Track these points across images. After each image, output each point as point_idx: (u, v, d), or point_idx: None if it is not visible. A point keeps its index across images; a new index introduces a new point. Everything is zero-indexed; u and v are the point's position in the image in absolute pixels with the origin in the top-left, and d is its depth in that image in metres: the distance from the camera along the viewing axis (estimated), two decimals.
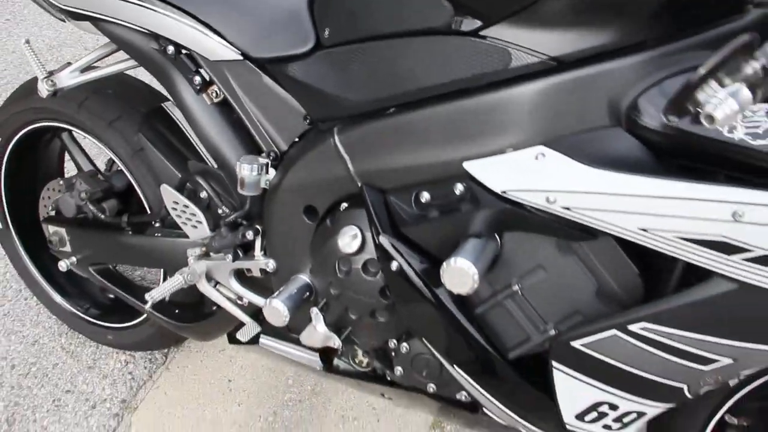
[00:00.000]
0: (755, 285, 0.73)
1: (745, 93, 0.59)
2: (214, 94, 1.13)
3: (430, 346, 0.97)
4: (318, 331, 1.04)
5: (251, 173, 1.07)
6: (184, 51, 1.12)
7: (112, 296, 1.61)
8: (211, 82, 1.12)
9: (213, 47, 1.07)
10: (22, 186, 1.53)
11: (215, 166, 1.17)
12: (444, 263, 0.84)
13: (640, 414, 0.92)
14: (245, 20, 1.06)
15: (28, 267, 1.60)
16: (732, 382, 0.86)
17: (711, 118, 0.60)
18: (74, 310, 1.60)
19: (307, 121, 1.05)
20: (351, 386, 1.58)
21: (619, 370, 0.85)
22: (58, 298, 1.61)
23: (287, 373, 1.62)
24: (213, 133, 1.15)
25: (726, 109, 0.59)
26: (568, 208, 0.77)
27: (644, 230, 0.75)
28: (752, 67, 0.61)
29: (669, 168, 0.75)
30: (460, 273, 0.83)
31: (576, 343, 0.85)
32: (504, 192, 0.81)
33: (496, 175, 0.82)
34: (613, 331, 0.82)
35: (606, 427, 0.95)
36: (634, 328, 0.81)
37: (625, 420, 0.94)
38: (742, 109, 0.60)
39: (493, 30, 0.82)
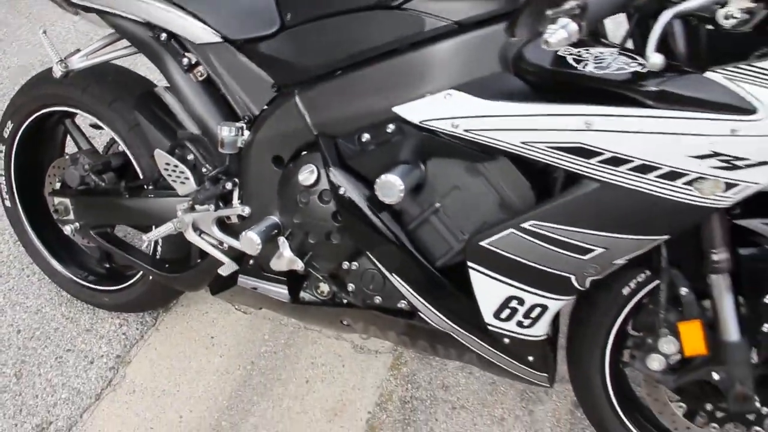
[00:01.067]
0: (611, 183, 0.99)
1: (572, 26, 0.85)
2: (199, 74, 1.38)
3: (373, 259, 1.22)
4: (284, 255, 1.28)
5: (229, 134, 1.32)
6: (174, 37, 1.37)
7: (107, 264, 1.83)
8: (197, 64, 1.37)
9: (198, 32, 1.33)
10: (28, 166, 1.76)
11: (200, 132, 1.42)
12: (377, 179, 1.09)
13: (544, 308, 1.17)
14: (223, 8, 1.32)
15: (33, 240, 1.82)
16: (605, 273, 1.10)
17: (547, 43, 0.86)
18: (74, 278, 1.82)
19: (275, 88, 1.31)
20: (320, 338, 1.81)
21: (518, 264, 1.10)
22: (59, 267, 1.82)
23: (263, 330, 1.85)
24: (198, 105, 1.40)
25: (558, 36, 0.85)
26: (467, 131, 1.03)
27: (524, 143, 1.01)
28: (575, 5, 0.87)
29: (542, 97, 1.01)
30: (389, 186, 1.08)
31: (483, 243, 1.10)
32: (421, 122, 1.07)
33: (415, 112, 1.08)
34: (510, 230, 1.07)
35: (519, 324, 1.19)
36: (525, 225, 1.06)
37: (533, 315, 1.18)
38: (570, 37, 0.86)
39: (411, 3, 1.09)
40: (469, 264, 1.13)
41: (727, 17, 0.90)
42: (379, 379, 1.70)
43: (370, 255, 1.22)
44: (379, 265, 1.22)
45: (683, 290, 1.17)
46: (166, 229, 1.42)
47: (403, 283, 1.22)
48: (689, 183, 0.96)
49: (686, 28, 0.96)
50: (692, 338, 1.18)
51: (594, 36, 1.10)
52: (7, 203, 1.80)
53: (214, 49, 1.33)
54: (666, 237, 1.05)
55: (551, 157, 1.00)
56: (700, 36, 0.95)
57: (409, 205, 1.17)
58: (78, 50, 1.45)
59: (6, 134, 1.70)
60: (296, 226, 1.28)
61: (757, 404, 1.20)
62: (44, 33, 1.43)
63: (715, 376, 1.20)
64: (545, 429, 1.57)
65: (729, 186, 0.95)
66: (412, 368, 1.73)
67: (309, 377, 1.72)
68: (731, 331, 1.14)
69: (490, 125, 1.02)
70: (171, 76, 1.39)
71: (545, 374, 1.32)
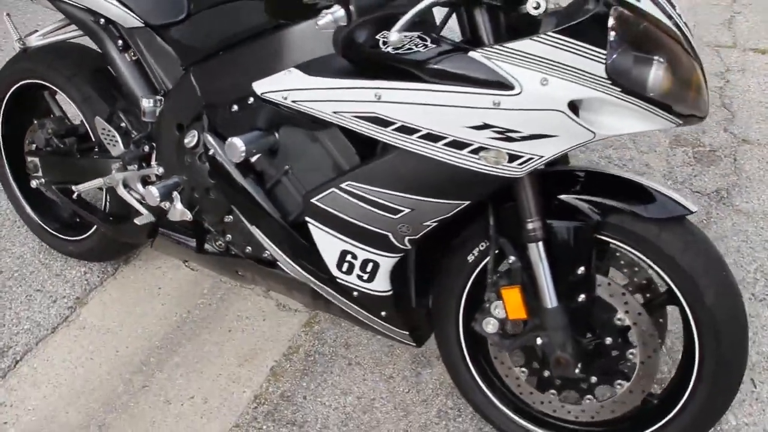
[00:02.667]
0: (407, 149, 1.16)
1: (340, 12, 1.03)
2: (132, 54, 1.63)
3: (238, 213, 1.43)
4: (176, 207, 1.51)
5: (149, 105, 1.56)
6: (111, 22, 1.62)
7: (72, 216, 2.11)
8: (129, 45, 1.62)
9: (126, 18, 1.57)
10: (13, 130, 2.06)
11: (131, 104, 1.67)
12: (225, 141, 1.31)
13: (375, 264, 1.34)
14: None
15: (16, 193, 2.12)
16: (421, 233, 1.26)
17: (317, 25, 1.03)
18: (45, 227, 2.11)
19: (183, 67, 1.54)
20: (251, 295, 2.03)
21: (343, 220, 1.28)
22: (35, 217, 2.11)
23: (204, 285, 2.09)
24: (131, 80, 1.65)
25: (325, 20, 1.03)
26: (294, 101, 1.23)
27: (335, 113, 1.19)
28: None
29: (351, 73, 1.19)
30: (233, 147, 1.28)
31: (314, 200, 1.29)
32: (262, 94, 1.27)
33: (261, 86, 1.28)
34: (332, 189, 1.26)
35: (359, 277, 1.37)
36: (343, 185, 1.25)
37: (368, 269, 1.35)
38: (336, 21, 1.04)
39: None
40: (307, 219, 1.33)
41: (536, 6, 1.06)
42: (291, 333, 1.91)
43: (235, 209, 1.43)
44: (243, 219, 1.43)
45: (511, 258, 1.32)
46: (95, 183, 1.68)
47: (263, 235, 1.42)
48: (475, 152, 1.11)
49: (490, 13, 1.13)
50: (513, 303, 1.32)
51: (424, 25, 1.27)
52: None
53: (138, 32, 1.57)
54: (467, 202, 1.20)
55: (356, 125, 1.18)
56: (499, 21, 1.13)
57: (267, 167, 1.38)
58: (36, 31, 1.73)
59: None
60: (185, 183, 1.51)
61: (578, 370, 1.34)
62: (8, 15, 1.72)
63: (539, 341, 1.34)
64: (427, 390, 1.73)
65: (513, 157, 1.10)
66: (322, 327, 1.93)
67: (232, 327, 1.95)
68: (547, 298, 1.27)
69: (308, 97, 1.21)
70: (110, 56, 1.65)
71: (405, 332, 1.49)
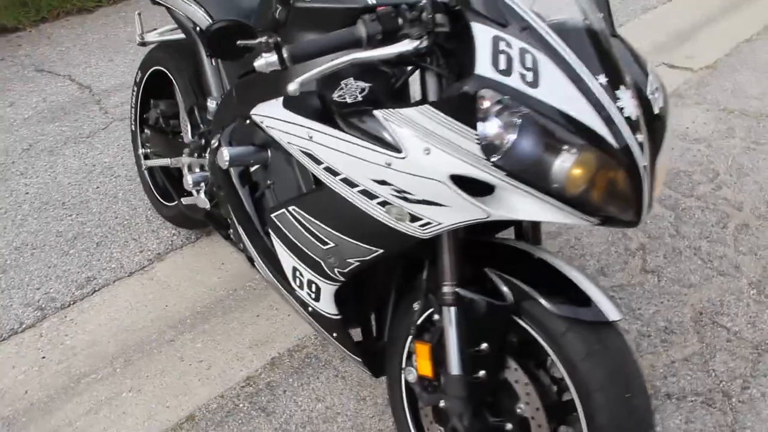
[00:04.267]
0: (333, 188, 1.25)
1: (273, 58, 1.16)
2: (212, 60, 1.91)
3: (230, 211, 1.62)
4: (199, 196, 1.75)
5: (212, 105, 1.83)
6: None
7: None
8: None
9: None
10: (146, 106, 2.48)
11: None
12: (219, 149, 1.50)
13: (317, 286, 1.45)
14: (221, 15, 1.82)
15: (140, 156, 2.54)
16: (348, 269, 1.34)
17: (253, 66, 1.17)
18: (152, 188, 2.49)
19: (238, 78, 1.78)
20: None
21: (290, 239, 1.42)
22: (147, 179, 2.51)
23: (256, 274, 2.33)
24: (207, 82, 1.93)
25: (258, 63, 1.16)
26: (268, 126, 1.38)
27: (289, 143, 1.33)
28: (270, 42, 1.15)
29: (305, 111, 1.30)
30: (221, 155, 1.47)
31: (272, 215, 1.44)
32: (252, 114, 1.44)
33: (255, 109, 1.45)
34: (283, 210, 1.40)
35: (309, 295, 1.49)
36: (290, 208, 1.38)
37: (313, 289, 1.46)
38: (269, 65, 1.17)
39: None
40: (270, 231, 1.48)
41: None
42: (303, 333, 2.08)
43: (228, 207, 1.63)
44: (233, 216, 1.62)
45: (435, 315, 1.35)
46: (161, 162, 1.99)
47: (245, 237, 1.60)
48: (382, 204, 1.18)
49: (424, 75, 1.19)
50: (422, 359, 1.35)
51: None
52: (133, 128, 2.54)
53: None
54: (381, 251, 1.27)
55: (302, 158, 1.30)
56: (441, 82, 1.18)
57: (259, 178, 1.56)
58: (155, 29, 2.09)
59: (137, 80, 2.43)
60: (208, 178, 1.74)
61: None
62: (138, 14, 2.09)
63: (441, 404, 1.35)
64: (389, 421, 1.79)
65: (414, 218, 1.15)
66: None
67: (260, 314, 2.16)
68: (451, 364, 1.27)
69: (275, 125, 1.35)
70: (198, 57, 1.94)
71: (358, 358, 1.58)
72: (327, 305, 1.47)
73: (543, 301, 1.19)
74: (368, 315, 1.60)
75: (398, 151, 1.10)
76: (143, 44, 2.12)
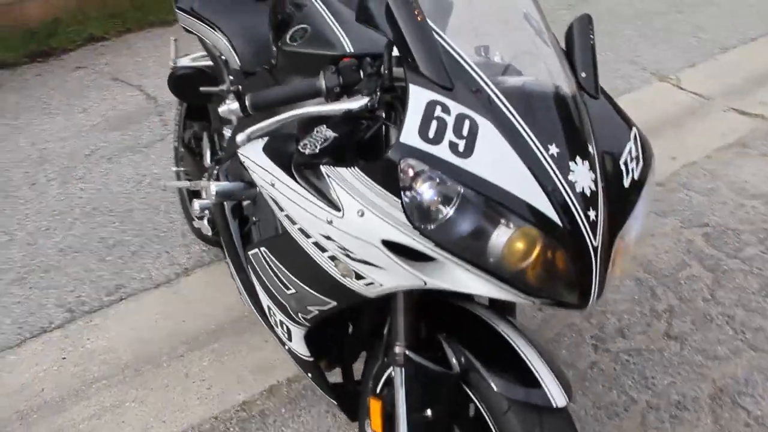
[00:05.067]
0: (293, 237, 1.25)
1: (234, 105, 1.18)
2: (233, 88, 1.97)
3: (222, 242, 1.66)
4: (203, 223, 1.80)
5: (227, 133, 1.89)
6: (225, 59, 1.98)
7: None
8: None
9: (232, 59, 1.90)
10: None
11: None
12: (209, 182, 1.54)
13: (288, 327, 1.46)
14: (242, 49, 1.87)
15: (175, 176, 2.65)
16: (311, 315, 1.34)
17: (217, 112, 1.20)
18: (187, 207, 2.60)
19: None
20: None
21: (261, 279, 1.44)
22: (184, 197, 2.61)
23: None
24: None
25: (222, 109, 1.18)
26: (248, 167, 1.40)
27: (261, 187, 1.33)
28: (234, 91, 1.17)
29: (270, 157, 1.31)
30: (208, 189, 1.50)
31: (249, 253, 1.46)
32: (238, 152, 1.47)
33: (241, 149, 1.48)
34: (256, 249, 1.42)
35: (282, 334, 1.50)
36: (261, 249, 1.40)
37: (284, 329, 1.48)
38: (231, 113, 1.19)
39: None
40: (248, 267, 1.51)
41: None
42: None
43: (221, 238, 1.67)
44: (224, 247, 1.66)
45: (393, 372, 1.33)
46: (181, 184, 2.07)
47: (232, 268, 1.64)
48: (332, 259, 1.18)
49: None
50: (374, 414, 1.34)
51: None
52: (175, 144, 2.62)
53: (235, 72, 1.89)
54: (335, 303, 1.27)
55: (271, 203, 1.31)
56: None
57: (249, 214, 1.59)
58: (187, 55, 2.18)
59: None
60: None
61: None
62: (174, 40, 2.18)
63: None
64: None
65: (358, 276, 1.15)
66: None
67: (269, 339, 2.17)
68: (399, 424, 1.25)
69: (251, 166, 1.35)
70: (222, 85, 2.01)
71: (333, 401, 1.59)
72: (298, 346, 1.48)
73: (488, 377, 1.15)
74: (348, 358, 1.59)
75: (338, 209, 1.08)
76: (175, 68, 2.21)
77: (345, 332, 1.57)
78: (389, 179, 1.01)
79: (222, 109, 1.20)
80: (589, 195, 1.03)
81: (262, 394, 2.01)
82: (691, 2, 4.62)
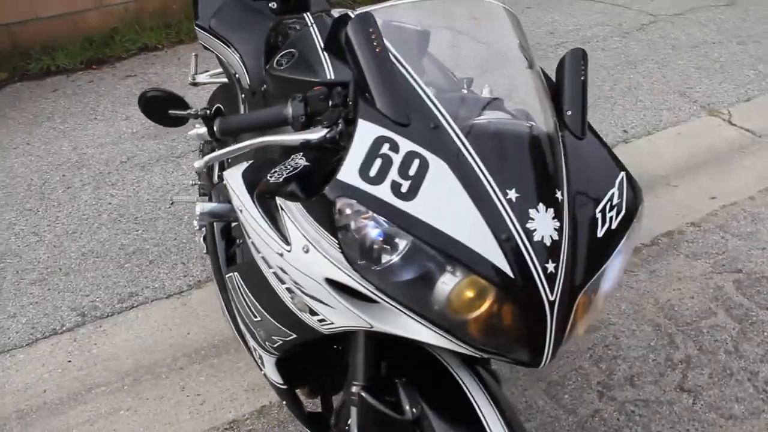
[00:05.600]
0: (258, 265, 1.22)
1: (203, 130, 1.17)
2: (246, 106, 1.98)
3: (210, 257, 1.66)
4: (199, 242, 1.80)
5: None
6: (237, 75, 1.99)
7: None
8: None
9: (244, 78, 1.91)
10: None
11: None
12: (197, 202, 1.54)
13: (260, 354, 1.43)
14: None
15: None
16: (276, 345, 1.31)
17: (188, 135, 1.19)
18: None
19: None
20: None
21: (235, 304, 1.42)
22: None
23: None
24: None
25: (192, 133, 1.17)
26: (229, 189, 1.39)
27: (238, 210, 1.31)
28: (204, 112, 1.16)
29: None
30: (196, 207, 1.49)
31: (225, 276, 1.45)
32: (224, 173, 1.46)
33: (227, 171, 1.47)
34: (231, 273, 1.41)
35: (256, 359, 1.48)
36: (234, 273, 1.39)
37: (257, 355, 1.45)
38: (201, 136, 1.18)
39: None
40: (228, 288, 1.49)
41: None
42: None
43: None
44: (210, 260, 1.66)
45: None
46: (187, 198, 2.08)
47: (216, 285, 1.63)
48: (289, 291, 1.15)
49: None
50: None
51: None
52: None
53: (246, 91, 1.90)
54: (295, 336, 1.23)
55: (242, 229, 1.29)
56: None
57: (236, 235, 1.58)
58: (207, 71, 2.20)
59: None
60: None
61: None
62: (195, 56, 2.21)
63: None
64: None
65: (312, 311, 1.11)
66: None
67: None
68: None
69: (229, 189, 1.35)
70: (236, 103, 2.02)
71: (307, 429, 1.56)
72: (271, 373, 1.46)
73: (437, 427, 1.09)
74: (328, 388, 1.55)
75: (287, 243, 1.06)
76: (194, 84, 2.24)
77: (324, 361, 1.53)
78: (325, 218, 0.97)
79: (190, 133, 1.20)
80: (549, 245, 0.95)
81: (252, 414, 2.00)
82: (754, 33, 4.41)
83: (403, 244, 0.94)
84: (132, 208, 2.94)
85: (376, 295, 0.97)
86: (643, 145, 3.20)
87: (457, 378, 1.16)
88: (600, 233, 1.03)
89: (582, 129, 1.12)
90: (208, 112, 1.18)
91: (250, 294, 1.32)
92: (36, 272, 2.59)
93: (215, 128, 1.17)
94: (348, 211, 0.94)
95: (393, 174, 0.95)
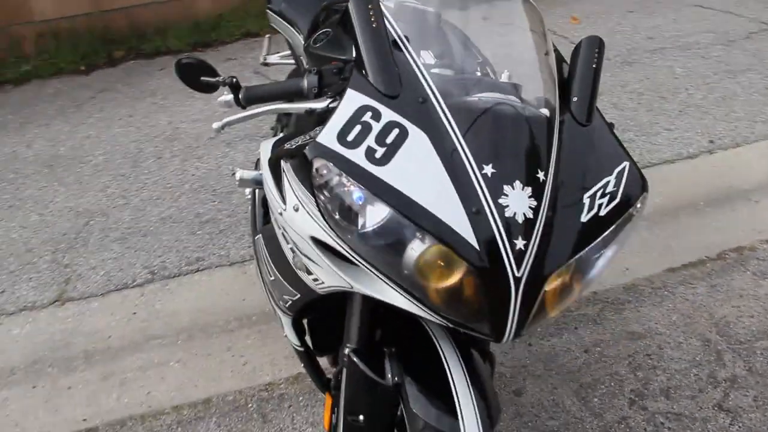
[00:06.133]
0: (277, 230, 1.31)
1: (229, 97, 1.26)
2: None
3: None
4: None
5: None
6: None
7: None
8: None
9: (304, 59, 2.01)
10: None
11: None
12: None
13: (279, 315, 1.52)
14: None
15: None
16: (287, 305, 1.39)
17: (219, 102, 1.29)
18: None
19: None
20: None
21: (259, 265, 1.51)
22: None
23: None
24: None
25: (220, 100, 1.27)
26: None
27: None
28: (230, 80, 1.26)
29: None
30: (236, 173, 1.59)
31: (255, 237, 1.55)
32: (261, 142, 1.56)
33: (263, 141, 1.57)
34: (258, 236, 1.51)
35: (278, 320, 1.57)
36: (259, 236, 1.48)
37: (277, 316, 1.53)
38: (227, 104, 1.27)
39: None
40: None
41: None
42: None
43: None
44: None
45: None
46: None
47: (253, 244, 1.73)
48: (292, 251, 1.23)
49: None
50: (325, 411, 1.38)
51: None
52: None
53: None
54: (299, 296, 1.31)
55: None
56: None
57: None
58: (277, 52, 2.31)
59: None
60: None
61: None
62: (268, 37, 2.33)
63: None
64: None
65: (308, 271, 1.19)
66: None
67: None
68: (338, 425, 1.29)
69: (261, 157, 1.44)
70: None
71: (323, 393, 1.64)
72: (289, 334, 1.53)
73: (411, 395, 1.14)
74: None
75: (284, 202, 1.13)
76: (265, 65, 2.37)
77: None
78: (305, 177, 1.04)
79: (219, 100, 1.30)
80: (521, 222, 0.97)
81: (287, 379, 2.10)
82: None
83: (376, 208, 0.99)
84: (212, 180, 3.14)
85: (352, 256, 1.02)
86: (728, 157, 3.04)
87: (441, 354, 1.19)
88: (584, 218, 1.04)
89: (588, 116, 1.13)
90: (234, 80, 1.27)
91: (268, 255, 1.41)
92: (119, 231, 2.83)
93: (240, 96, 1.27)
94: (324, 172, 1.00)
95: (370, 140, 0.99)
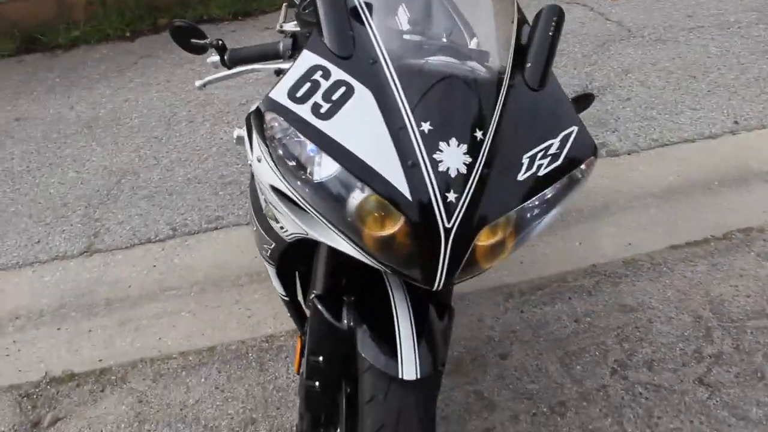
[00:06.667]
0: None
1: (215, 58, 1.36)
2: None
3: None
4: None
5: None
6: None
7: None
8: None
9: None
10: None
11: None
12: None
13: (265, 265, 1.62)
14: None
15: None
16: (267, 254, 1.49)
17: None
18: None
19: None
20: None
21: (251, 214, 1.61)
22: None
23: None
24: None
25: (209, 61, 1.37)
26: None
27: None
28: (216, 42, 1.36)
29: None
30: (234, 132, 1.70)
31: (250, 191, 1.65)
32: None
33: None
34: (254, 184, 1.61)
35: (265, 261, 1.68)
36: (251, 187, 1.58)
37: (264, 261, 1.63)
38: (214, 65, 1.37)
39: None
40: None
41: None
42: None
43: None
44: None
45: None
46: None
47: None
48: (264, 202, 1.32)
49: None
50: (296, 352, 1.48)
51: None
52: None
53: None
54: (274, 244, 1.41)
55: None
56: None
57: None
58: (293, 21, 2.41)
59: None
60: None
61: None
62: (286, 5, 2.42)
63: None
64: None
65: (276, 220, 1.29)
66: None
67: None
68: (303, 365, 1.37)
69: None
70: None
71: None
72: (275, 283, 1.64)
73: (360, 338, 1.23)
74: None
75: (252, 153, 1.22)
76: (281, 32, 2.47)
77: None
78: (259, 129, 1.13)
79: (208, 60, 1.41)
80: (454, 176, 1.04)
81: (287, 332, 2.23)
82: None
83: (323, 160, 1.07)
84: None
85: (303, 203, 1.11)
86: (751, 138, 2.99)
87: (392, 303, 1.28)
88: (521, 177, 1.10)
89: (541, 81, 1.18)
90: (220, 42, 1.37)
91: (252, 207, 1.52)
92: (147, 190, 3.00)
93: (226, 57, 1.37)
94: (274, 125, 1.10)
95: (317, 97, 1.08)
